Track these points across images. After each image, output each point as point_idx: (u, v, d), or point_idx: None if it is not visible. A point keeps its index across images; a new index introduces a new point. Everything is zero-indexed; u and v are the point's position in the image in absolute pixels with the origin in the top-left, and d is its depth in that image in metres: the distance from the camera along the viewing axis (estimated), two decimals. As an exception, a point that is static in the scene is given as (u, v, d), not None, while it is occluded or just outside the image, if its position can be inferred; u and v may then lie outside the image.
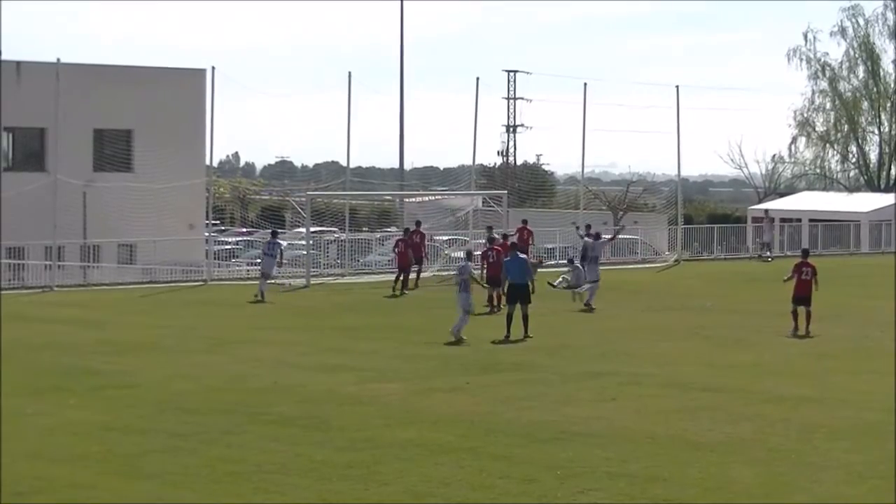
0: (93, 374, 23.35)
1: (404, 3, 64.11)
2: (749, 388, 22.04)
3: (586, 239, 38.13)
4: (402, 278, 40.18)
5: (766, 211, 56.92)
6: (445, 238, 52.53)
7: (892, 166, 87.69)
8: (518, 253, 30.38)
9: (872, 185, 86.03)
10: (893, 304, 33.15)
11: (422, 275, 41.83)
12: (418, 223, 43.65)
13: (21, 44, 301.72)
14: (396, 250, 41.54)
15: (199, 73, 51.62)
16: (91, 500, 14.63)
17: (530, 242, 41.01)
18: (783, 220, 58.40)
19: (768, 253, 53.60)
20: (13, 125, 49.56)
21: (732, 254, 58.44)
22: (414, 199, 61.92)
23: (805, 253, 31.46)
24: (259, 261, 48.90)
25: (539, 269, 38.76)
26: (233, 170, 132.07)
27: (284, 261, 42.37)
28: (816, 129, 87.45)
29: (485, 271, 35.57)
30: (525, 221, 44.81)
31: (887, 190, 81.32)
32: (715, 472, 15.90)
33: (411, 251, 40.88)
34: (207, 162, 47.95)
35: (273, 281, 39.38)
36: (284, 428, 18.46)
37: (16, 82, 49.04)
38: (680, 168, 54.12)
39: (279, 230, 59.25)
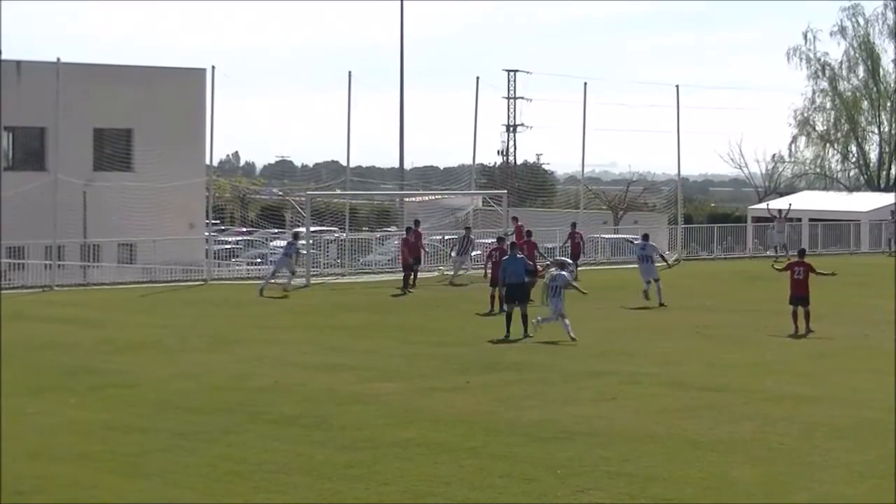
0: (93, 374, 23.35)
1: (404, 3, 64.12)
2: (749, 387, 22.04)
3: (636, 242, 38.78)
4: (404, 277, 40.40)
5: (781, 210, 52.73)
6: (447, 237, 52.50)
7: (892, 166, 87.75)
8: (516, 253, 30.42)
9: (872, 185, 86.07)
10: (893, 304, 33.14)
11: (430, 274, 41.95)
12: (416, 222, 43.75)
13: (21, 44, 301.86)
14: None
15: (198, 73, 51.63)
16: (92, 499, 14.64)
17: (523, 237, 41.01)
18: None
19: (783, 253, 50.30)
20: (13, 125, 49.53)
21: (730, 254, 58.42)
22: (414, 199, 61.93)
23: (801, 253, 31.51)
24: (258, 260, 48.79)
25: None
26: (233, 169, 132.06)
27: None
28: (816, 128, 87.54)
29: (489, 271, 35.74)
30: (516, 219, 44.94)
31: (887, 189, 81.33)
32: (715, 472, 15.90)
33: (407, 250, 41.01)
34: (207, 161, 47.91)
35: (274, 280, 39.48)
36: (285, 427, 18.47)
37: (16, 82, 49.01)
38: (680, 167, 54.17)
39: (281, 230, 59.39)
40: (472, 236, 44.52)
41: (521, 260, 30.05)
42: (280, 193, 68.27)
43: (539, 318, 28.50)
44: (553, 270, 29.46)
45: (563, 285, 28.68)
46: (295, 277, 39.85)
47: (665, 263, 39.53)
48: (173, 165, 49.90)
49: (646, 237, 38.04)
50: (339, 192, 53.75)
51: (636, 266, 37.83)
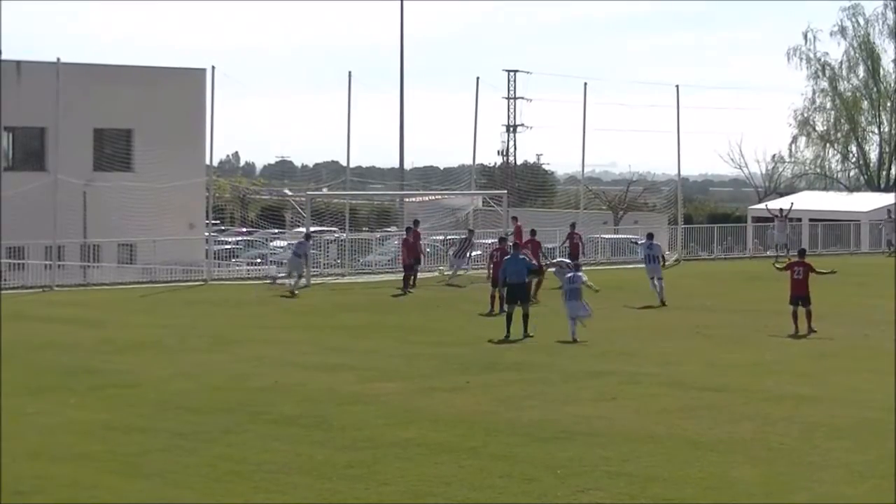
0: (93, 374, 23.36)
1: (404, 3, 64.12)
2: (749, 387, 22.04)
3: (641, 242, 39.14)
4: (404, 277, 40.44)
5: (782, 210, 51.74)
6: (449, 238, 52.50)
7: (892, 166, 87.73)
8: (518, 253, 30.46)
9: (872, 185, 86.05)
10: (893, 304, 33.14)
11: (430, 274, 41.95)
12: (415, 223, 43.74)
13: (21, 44, 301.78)
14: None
15: (199, 73, 51.61)
16: (92, 499, 14.64)
17: (522, 237, 41.09)
18: (783, 219, 57.99)
19: (784, 253, 48.65)
20: (13, 125, 49.55)
21: (730, 254, 58.43)
22: (414, 199, 61.90)
23: (801, 253, 31.55)
24: (258, 260, 48.75)
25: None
26: (233, 169, 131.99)
27: (284, 261, 42.66)
28: (816, 128, 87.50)
29: (490, 271, 35.76)
30: (515, 219, 45.04)
31: (887, 190, 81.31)
32: (715, 472, 15.90)
33: (406, 251, 41.06)
34: (207, 161, 47.92)
35: (274, 281, 39.54)
36: (285, 427, 18.47)
37: (16, 82, 49.02)
38: (680, 167, 54.16)
39: (281, 230, 59.33)
40: (474, 239, 44.51)
41: (522, 260, 30.08)
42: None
43: (581, 317, 28.62)
44: (569, 273, 29.65)
45: (579, 286, 28.88)
46: (301, 279, 39.83)
47: (663, 261, 39.65)
48: (173, 165, 49.88)
49: (650, 236, 38.37)
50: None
51: (637, 266, 37.98)
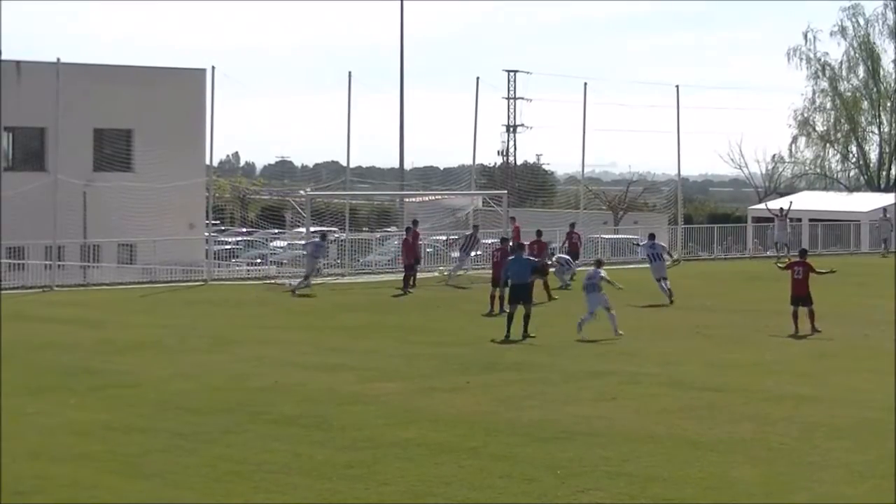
0: (93, 374, 23.34)
1: (404, 3, 64.10)
2: (750, 387, 22.04)
3: (643, 243, 39.44)
4: (404, 277, 40.44)
5: (782, 209, 51.41)
6: (451, 237, 52.52)
7: (892, 166, 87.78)
8: (522, 253, 30.47)
9: (872, 185, 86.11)
10: (893, 304, 33.15)
11: (430, 274, 41.93)
12: (415, 223, 43.74)
13: (21, 44, 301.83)
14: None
15: (199, 73, 51.63)
16: (92, 499, 14.63)
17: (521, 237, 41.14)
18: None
19: (784, 253, 48.55)
20: (13, 125, 49.60)
21: (730, 254, 58.45)
22: (414, 199, 61.90)
23: (802, 253, 31.56)
24: (258, 260, 48.76)
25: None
26: (233, 169, 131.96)
27: (284, 261, 42.62)
28: (816, 128, 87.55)
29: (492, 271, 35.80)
30: (513, 219, 45.05)
31: (887, 190, 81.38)
32: (715, 472, 15.90)
33: (405, 251, 41.07)
34: (207, 161, 47.92)
35: (273, 281, 39.48)
36: (285, 427, 18.46)
37: (16, 82, 49.05)
38: (680, 168, 54.16)
39: (281, 230, 59.30)
40: (479, 235, 44.55)
41: (525, 260, 30.07)
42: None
43: (580, 321, 28.71)
44: (591, 269, 29.92)
45: (597, 281, 29.10)
46: (305, 280, 39.68)
47: (670, 258, 39.82)
48: (173, 165, 49.90)
49: (652, 236, 38.51)
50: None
51: (638, 266, 37.95)
